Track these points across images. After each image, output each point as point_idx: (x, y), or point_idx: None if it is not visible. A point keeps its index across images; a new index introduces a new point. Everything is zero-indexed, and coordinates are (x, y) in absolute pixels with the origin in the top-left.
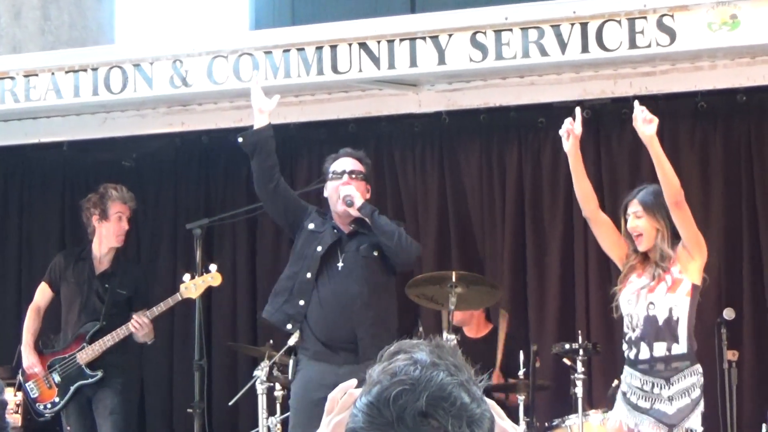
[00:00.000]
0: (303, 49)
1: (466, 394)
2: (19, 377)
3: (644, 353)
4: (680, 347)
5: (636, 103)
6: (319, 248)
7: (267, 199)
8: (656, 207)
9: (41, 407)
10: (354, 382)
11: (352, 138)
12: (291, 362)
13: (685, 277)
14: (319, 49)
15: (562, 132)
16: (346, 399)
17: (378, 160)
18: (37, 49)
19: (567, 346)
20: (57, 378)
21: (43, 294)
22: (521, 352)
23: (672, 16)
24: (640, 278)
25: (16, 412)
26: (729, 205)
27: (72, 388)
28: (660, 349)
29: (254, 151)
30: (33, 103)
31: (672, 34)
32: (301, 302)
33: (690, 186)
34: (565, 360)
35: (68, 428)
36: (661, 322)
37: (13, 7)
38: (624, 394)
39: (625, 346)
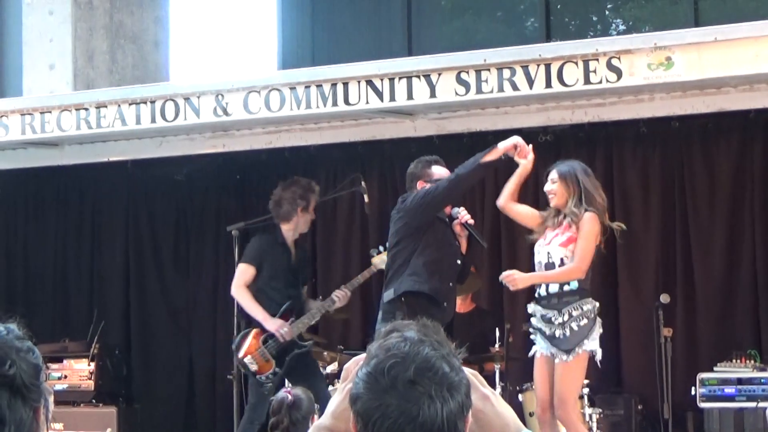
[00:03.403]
0: (321, 85)
1: (446, 365)
2: (239, 356)
3: (543, 291)
4: (570, 286)
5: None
6: (456, 242)
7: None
8: (568, 175)
9: (263, 378)
10: (365, 355)
11: (360, 157)
12: None
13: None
14: (334, 85)
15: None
16: (357, 369)
17: (381, 175)
18: (106, 86)
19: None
20: (272, 351)
21: (247, 274)
22: (497, 329)
23: (619, 58)
24: (545, 237)
25: (90, 379)
26: (665, 211)
27: (287, 359)
28: (554, 287)
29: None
30: (103, 129)
31: (619, 73)
32: (451, 284)
33: (633, 196)
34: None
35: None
36: (556, 267)
37: (87, 52)
38: (534, 324)
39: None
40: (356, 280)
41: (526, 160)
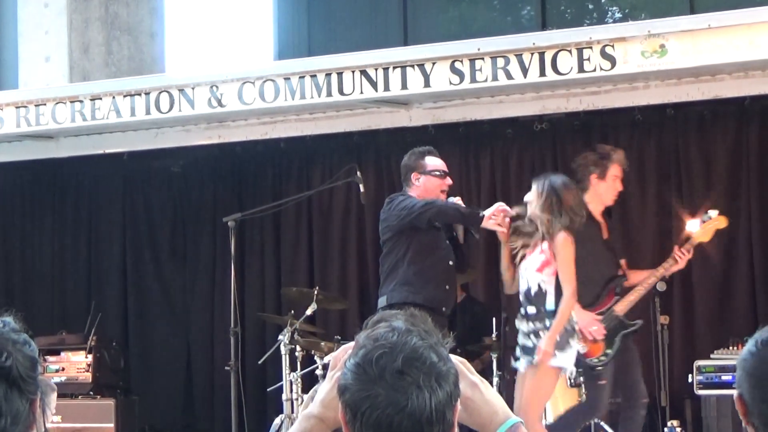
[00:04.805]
0: (315, 75)
1: (434, 355)
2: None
3: (523, 311)
4: (548, 308)
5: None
6: (447, 241)
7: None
8: (541, 184)
9: (594, 361)
10: (353, 344)
11: (355, 147)
12: None
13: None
14: (329, 75)
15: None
16: (346, 358)
17: (377, 165)
18: (102, 78)
19: None
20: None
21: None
22: (494, 319)
23: (612, 46)
24: (525, 260)
25: (87, 371)
26: (661, 198)
27: (617, 339)
28: (532, 309)
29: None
30: (98, 121)
31: (613, 61)
32: (447, 287)
33: (629, 183)
34: None
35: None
36: (533, 293)
37: (82, 44)
38: (520, 344)
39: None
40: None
41: (502, 228)
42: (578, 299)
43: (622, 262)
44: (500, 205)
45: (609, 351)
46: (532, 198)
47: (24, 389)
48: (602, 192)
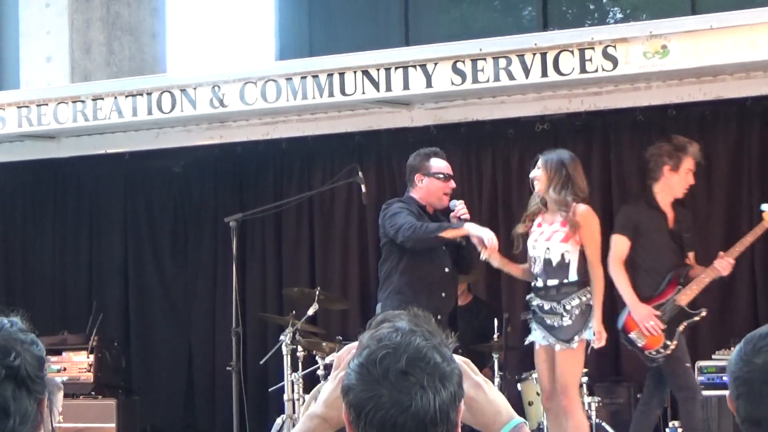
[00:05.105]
0: (317, 76)
1: (438, 355)
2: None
3: (540, 283)
4: (569, 278)
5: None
6: (444, 247)
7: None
8: (549, 161)
9: (653, 353)
10: (357, 344)
11: (357, 148)
12: None
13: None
14: (330, 75)
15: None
16: (349, 358)
17: (379, 166)
18: (104, 78)
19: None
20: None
21: (622, 246)
22: (495, 319)
23: (614, 46)
24: (540, 227)
25: (89, 371)
26: None
27: (678, 330)
28: (553, 281)
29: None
30: (100, 121)
31: (615, 61)
32: (443, 294)
33: (630, 184)
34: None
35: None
36: (554, 264)
37: (84, 44)
38: (534, 314)
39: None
40: (740, 243)
41: (489, 256)
42: (639, 289)
43: (690, 254)
44: (490, 239)
45: (668, 342)
46: (539, 174)
47: (32, 389)
48: (674, 184)
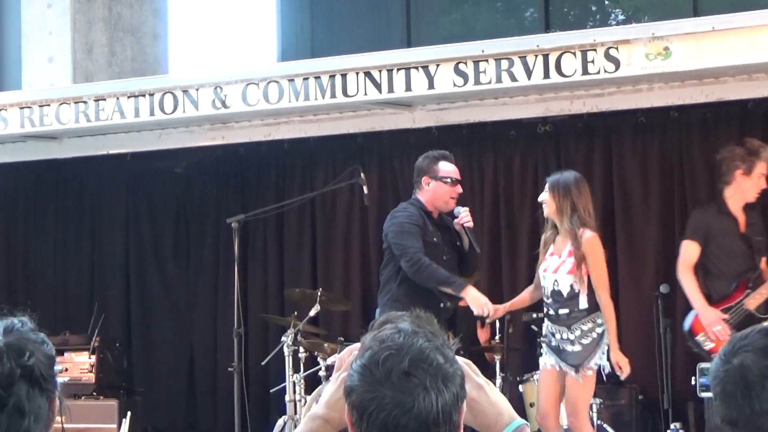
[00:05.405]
0: (319, 77)
1: (441, 356)
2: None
3: (552, 311)
4: (580, 306)
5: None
6: (445, 257)
7: None
8: (556, 186)
9: None
10: (358, 345)
11: (359, 149)
12: None
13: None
14: (333, 77)
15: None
16: (351, 359)
17: (381, 167)
18: (106, 79)
19: (534, 315)
20: (731, 324)
21: (692, 251)
22: (497, 320)
23: (616, 48)
24: (552, 257)
25: (90, 372)
26: (664, 201)
27: None
28: (564, 310)
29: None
30: (102, 122)
31: (617, 63)
32: (441, 305)
33: (632, 186)
34: (533, 327)
35: None
36: (565, 295)
37: (86, 45)
38: (546, 339)
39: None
40: None
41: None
42: (709, 293)
43: (763, 259)
44: (487, 309)
45: None
46: (547, 198)
47: (44, 388)
48: (746, 188)
